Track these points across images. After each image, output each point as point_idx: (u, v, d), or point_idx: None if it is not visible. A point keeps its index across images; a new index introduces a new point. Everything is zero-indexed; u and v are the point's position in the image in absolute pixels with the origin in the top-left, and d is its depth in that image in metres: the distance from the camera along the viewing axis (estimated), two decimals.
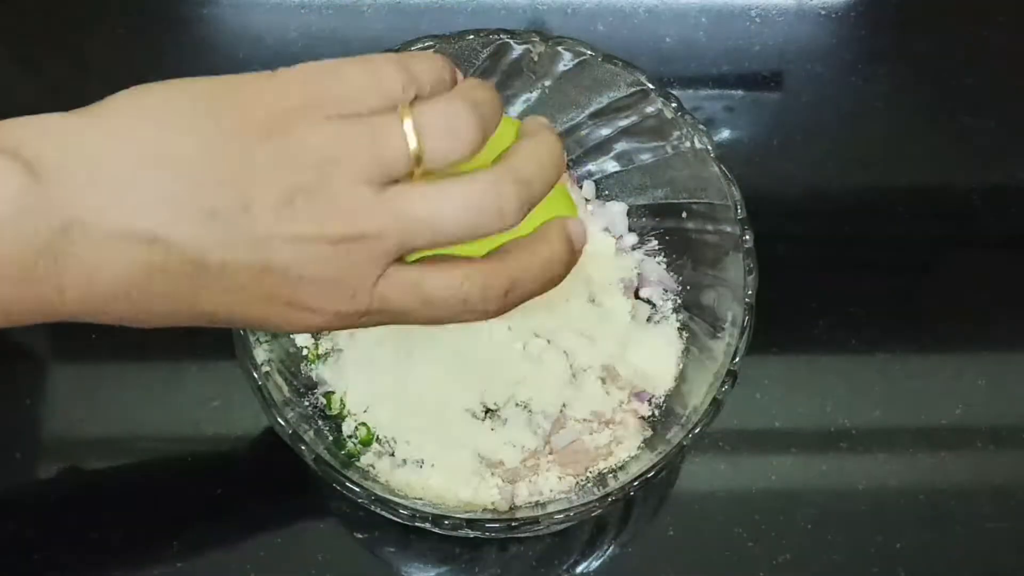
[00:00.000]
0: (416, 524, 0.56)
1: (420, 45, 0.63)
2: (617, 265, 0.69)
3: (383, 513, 0.57)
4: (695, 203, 0.66)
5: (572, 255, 0.45)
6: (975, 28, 0.84)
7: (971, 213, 0.78)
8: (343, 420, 0.64)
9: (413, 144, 0.39)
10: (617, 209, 0.70)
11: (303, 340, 0.66)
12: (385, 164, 0.39)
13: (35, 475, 0.69)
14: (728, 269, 0.63)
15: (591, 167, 0.71)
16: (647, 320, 0.68)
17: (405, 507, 0.57)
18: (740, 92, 0.81)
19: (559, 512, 0.57)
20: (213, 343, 0.60)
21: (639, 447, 0.64)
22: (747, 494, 0.69)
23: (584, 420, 0.65)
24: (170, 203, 0.37)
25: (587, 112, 0.69)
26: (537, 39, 0.65)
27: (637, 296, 0.69)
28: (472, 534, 0.57)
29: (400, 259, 0.40)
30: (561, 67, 0.66)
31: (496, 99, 0.42)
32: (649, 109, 0.66)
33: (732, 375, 0.59)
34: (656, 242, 0.70)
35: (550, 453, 0.64)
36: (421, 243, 0.40)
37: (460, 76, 0.43)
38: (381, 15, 0.83)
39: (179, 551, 0.66)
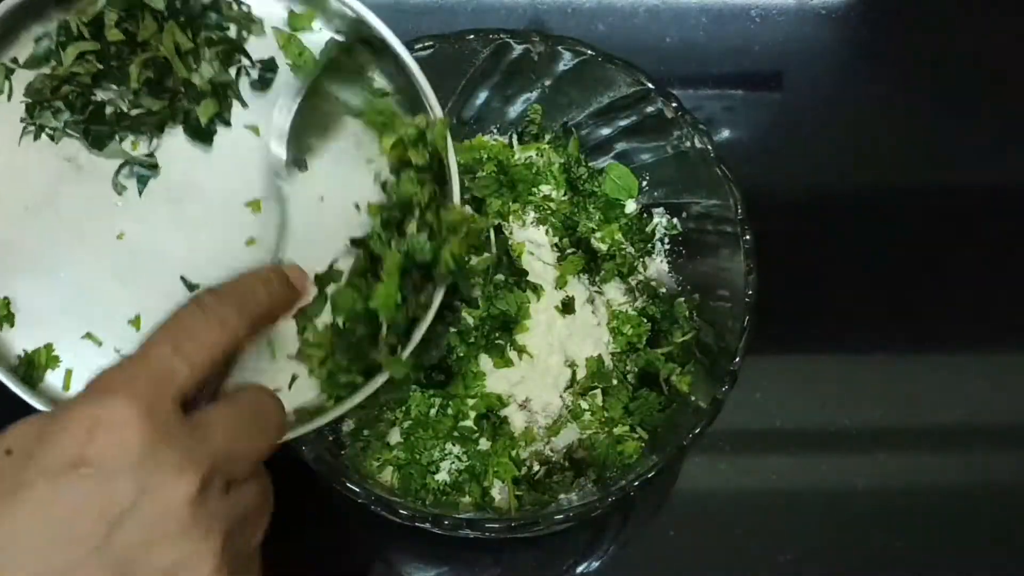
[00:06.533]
0: (416, 524, 0.56)
1: (420, 45, 0.63)
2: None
3: (383, 513, 0.57)
4: (695, 203, 0.66)
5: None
6: (975, 28, 0.84)
7: (971, 213, 0.78)
8: (343, 420, 0.64)
9: None
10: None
11: None
12: None
13: None
14: (728, 269, 0.63)
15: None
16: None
17: (405, 507, 0.57)
18: (740, 92, 0.81)
19: (559, 512, 0.57)
20: None
21: (639, 447, 0.64)
22: (747, 494, 0.69)
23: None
24: None
25: (587, 112, 0.69)
26: (537, 39, 0.65)
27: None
28: (472, 534, 0.57)
29: None
30: (561, 67, 0.66)
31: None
32: (649, 109, 0.66)
33: (732, 375, 0.59)
34: (657, 242, 0.70)
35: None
36: None
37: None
38: (381, 15, 0.82)
39: None
